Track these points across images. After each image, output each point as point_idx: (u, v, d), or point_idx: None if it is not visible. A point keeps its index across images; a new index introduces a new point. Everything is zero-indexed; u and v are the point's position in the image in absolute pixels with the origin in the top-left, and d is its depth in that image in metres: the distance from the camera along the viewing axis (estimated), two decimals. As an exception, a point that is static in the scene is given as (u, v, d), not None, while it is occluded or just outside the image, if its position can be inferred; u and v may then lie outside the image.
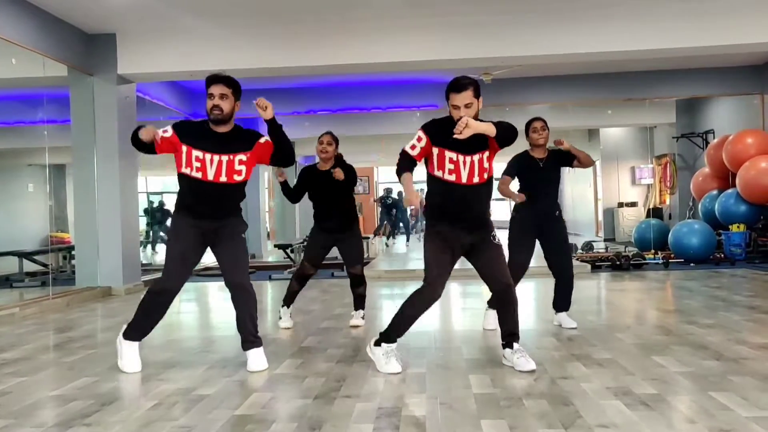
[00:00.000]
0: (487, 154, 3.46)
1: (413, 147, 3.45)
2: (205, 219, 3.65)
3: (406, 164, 3.45)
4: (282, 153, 3.73)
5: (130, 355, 3.73)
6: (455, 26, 7.37)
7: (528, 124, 4.59)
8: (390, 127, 12.44)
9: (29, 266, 9.30)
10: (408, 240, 16.68)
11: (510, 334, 3.59)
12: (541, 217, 4.53)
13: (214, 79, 3.60)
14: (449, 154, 3.42)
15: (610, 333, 4.43)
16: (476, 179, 3.45)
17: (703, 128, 12.19)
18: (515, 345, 3.56)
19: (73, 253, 8.85)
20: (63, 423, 2.80)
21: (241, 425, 2.71)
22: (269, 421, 2.76)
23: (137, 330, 3.75)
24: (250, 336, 3.69)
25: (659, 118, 12.88)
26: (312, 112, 11.30)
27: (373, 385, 3.27)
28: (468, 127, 3.23)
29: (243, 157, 3.65)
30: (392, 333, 3.58)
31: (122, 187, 7.63)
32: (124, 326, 3.80)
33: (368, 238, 14.63)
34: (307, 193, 4.97)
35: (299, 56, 7.54)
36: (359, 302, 5.04)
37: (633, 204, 14.87)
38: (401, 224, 17.60)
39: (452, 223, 3.50)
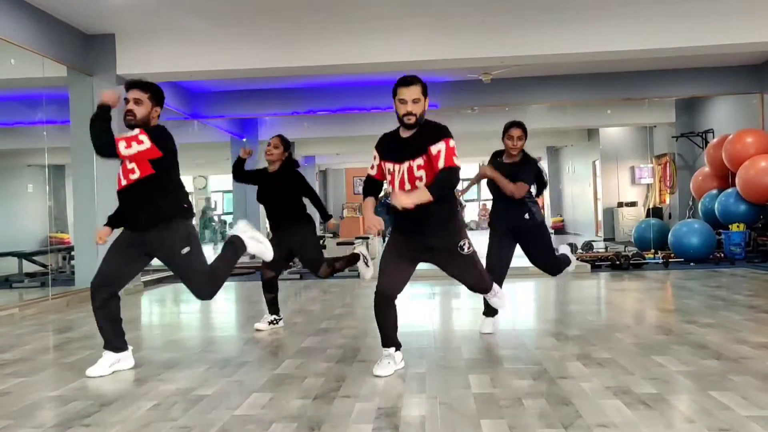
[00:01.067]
0: (419, 161, 3.29)
1: (372, 167, 3.53)
2: (135, 232, 3.60)
3: (367, 187, 3.58)
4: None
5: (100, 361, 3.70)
6: (455, 26, 7.37)
7: (505, 130, 4.35)
8: (390, 127, 12.36)
9: (29, 267, 9.31)
10: None
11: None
12: (512, 223, 4.40)
13: (130, 84, 3.58)
14: (387, 165, 3.44)
15: (609, 333, 4.43)
16: (407, 186, 3.33)
17: (703, 128, 12.19)
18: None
19: (72, 253, 8.85)
20: (62, 423, 2.80)
21: (240, 425, 2.71)
22: (268, 421, 2.75)
23: None
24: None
25: (659, 118, 12.87)
26: (312, 112, 11.27)
27: (372, 385, 3.27)
28: (402, 202, 3.12)
29: (125, 150, 3.40)
30: (381, 338, 3.54)
31: (122, 187, 7.61)
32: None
33: (368, 238, 14.61)
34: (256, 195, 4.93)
35: (299, 56, 7.53)
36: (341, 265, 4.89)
37: (633, 204, 14.86)
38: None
39: (404, 229, 3.47)
